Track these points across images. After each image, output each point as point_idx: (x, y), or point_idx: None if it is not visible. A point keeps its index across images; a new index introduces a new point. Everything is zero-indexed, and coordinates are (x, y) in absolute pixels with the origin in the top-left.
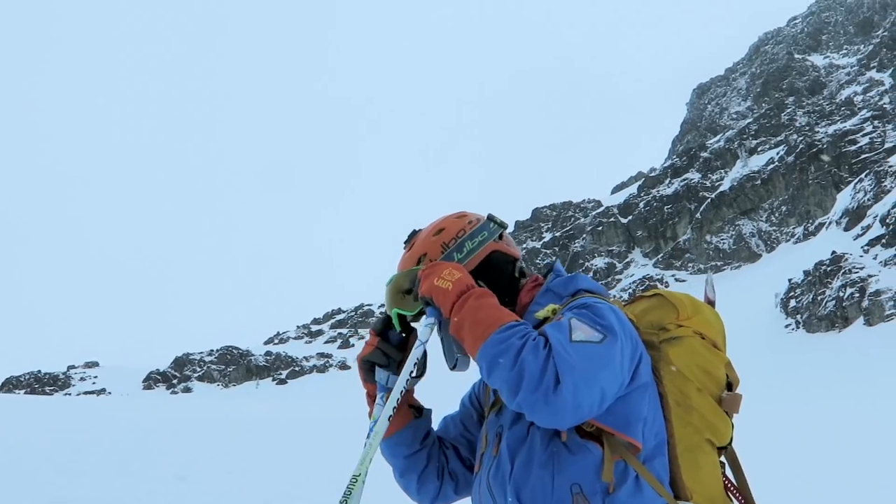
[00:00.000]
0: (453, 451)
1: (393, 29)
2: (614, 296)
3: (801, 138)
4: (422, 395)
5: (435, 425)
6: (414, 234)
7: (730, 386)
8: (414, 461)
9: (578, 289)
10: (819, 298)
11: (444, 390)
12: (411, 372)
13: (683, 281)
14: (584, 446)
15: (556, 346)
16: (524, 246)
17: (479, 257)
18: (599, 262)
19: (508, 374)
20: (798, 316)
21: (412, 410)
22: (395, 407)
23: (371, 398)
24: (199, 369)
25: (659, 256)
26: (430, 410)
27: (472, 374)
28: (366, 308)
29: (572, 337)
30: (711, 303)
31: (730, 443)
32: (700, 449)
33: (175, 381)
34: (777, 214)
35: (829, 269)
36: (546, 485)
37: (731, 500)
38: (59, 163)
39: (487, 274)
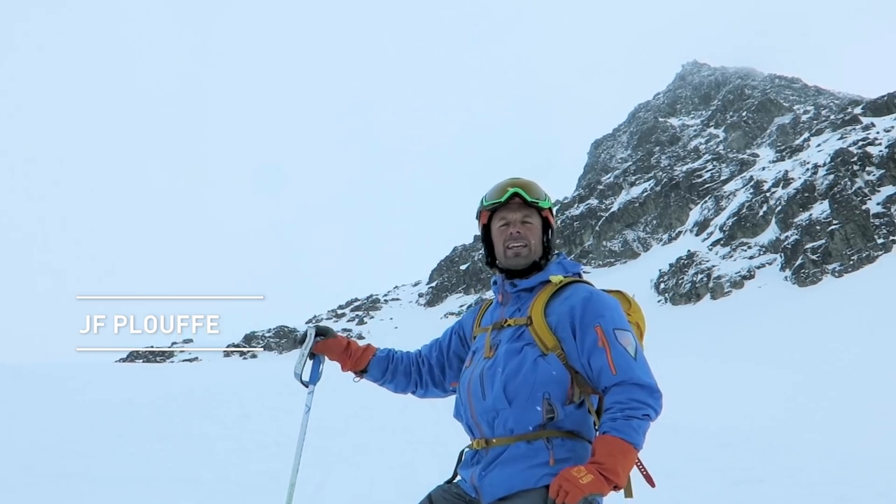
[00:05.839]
0: (429, 368)
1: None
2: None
3: (664, 175)
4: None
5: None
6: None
7: None
8: (391, 387)
9: (577, 272)
10: (680, 282)
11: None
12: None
13: (588, 273)
14: (560, 370)
15: (629, 372)
16: (479, 249)
17: (554, 221)
18: None
19: (650, 423)
20: (666, 294)
21: (359, 373)
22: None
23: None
24: (261, 341)
25: (571, 257)
26: (368, 366)
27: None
28: (374, 296)
29: (630, 353)
30: None
31: None
32: None
33: (245, 350)
34: (650, 226)
35: (686, 261)
36: (527, 386)
37: None
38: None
39: (551, 230)
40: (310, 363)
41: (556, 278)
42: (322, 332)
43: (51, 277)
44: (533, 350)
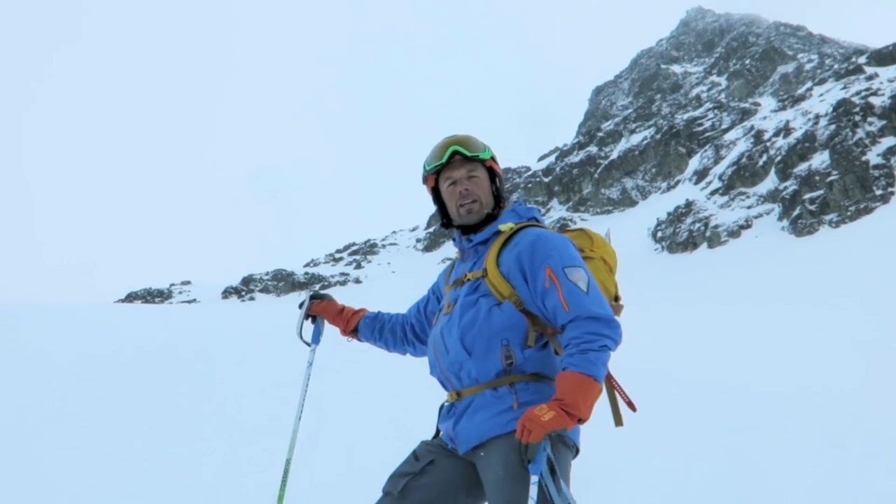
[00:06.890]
0: (411, 327)
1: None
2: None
3: (665, 122)
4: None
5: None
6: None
7: (616, 298)
8: (381, 345)
9: (532, 217)
10: (677, 230)
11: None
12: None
13: (586, 220)
14: (516, 316)
15: (581, 306)
16: None
17: (499, 169)
18: None
19: (609, 353)
20: (663, 242)
21: (353, 333)
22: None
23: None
24: (259, 284)
25: (570, 204)
26: (359, 326)
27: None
28: (371, 241)
29: (582, 288)
30: None
31: None
32: None
33: (243, 293)
34: (649, 174)
35: (684, 210)
36: (483, 336)
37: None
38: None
39: (498, 179)
40: (310, 326)
41: (506, 226)
42: (318, 297)
43: (51, 282)
44: (488, 300)
